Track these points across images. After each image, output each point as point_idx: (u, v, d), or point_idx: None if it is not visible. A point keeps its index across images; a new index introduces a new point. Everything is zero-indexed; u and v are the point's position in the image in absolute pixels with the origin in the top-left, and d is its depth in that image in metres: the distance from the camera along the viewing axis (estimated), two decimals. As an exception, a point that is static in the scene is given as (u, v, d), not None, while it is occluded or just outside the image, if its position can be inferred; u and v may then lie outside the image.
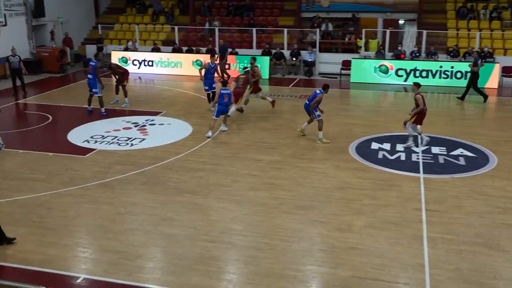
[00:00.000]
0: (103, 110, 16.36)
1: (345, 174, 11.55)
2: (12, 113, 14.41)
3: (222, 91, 14.14)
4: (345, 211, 9.76)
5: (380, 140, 13.87)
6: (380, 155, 12.75)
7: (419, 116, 12.98)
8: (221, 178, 11.33)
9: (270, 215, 9.61)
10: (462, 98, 18.43)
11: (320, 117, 13.75)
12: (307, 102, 13.98)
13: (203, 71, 16.73)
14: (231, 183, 11.10)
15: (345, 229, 9.05)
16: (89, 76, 16.43)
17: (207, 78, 16.70)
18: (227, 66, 22.06)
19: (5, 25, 16.90)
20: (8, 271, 7.84)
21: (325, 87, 13.80)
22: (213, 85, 16.86)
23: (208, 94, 17.01)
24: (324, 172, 11.70)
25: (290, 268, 7.87)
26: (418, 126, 13.15)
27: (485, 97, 18.19)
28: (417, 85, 13.28)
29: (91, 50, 25.84)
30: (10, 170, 11.84)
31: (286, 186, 10.92)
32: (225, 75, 19.94)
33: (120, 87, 17.65)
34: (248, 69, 16.46)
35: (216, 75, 17.59)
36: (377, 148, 13.28)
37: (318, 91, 13.78)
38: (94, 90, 16.32)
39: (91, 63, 16.65)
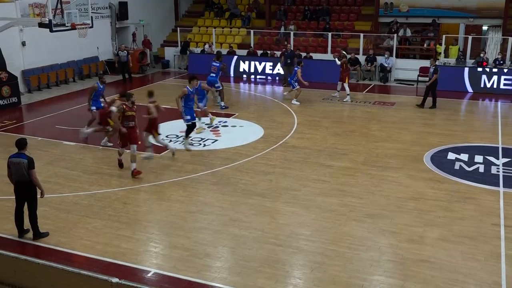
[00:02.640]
0: (223, 103, 17.79)
1: (418, 184, 11.19)
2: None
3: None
4: (417, 222, 9.45)
5: (458, 150, 13.31)
6: (457, 166, 12.24)
7: None
8: (290, 182, 11.32)
9: (338, 222, 9.48)
10: None
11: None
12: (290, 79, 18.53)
13: (181, 101, 13.23)
14: (301, 187, 11.06)
15: (416, 241, 8.76)
16: (212, 75, 17.35)
17: (187, 106, 13.22)
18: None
19: (92, 27, 17.81)
20: (84, 261, 8.23)
21: (299, 63, 18.41)
22: (194, 115, 13.64)
23: (189, 126, 13.48)
24: (397, 181, 11.39)
25: (357, 277, 7.73)
26: None
27: None
28: None
29: (169, 52, 26.74)
30: (90, 165, 12.46)
31: (356, 193, 10.73)
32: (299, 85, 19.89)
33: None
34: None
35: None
36: (453, 158, 12.76)
37: (296, 68, 18.11)
38: (216, 85, 17.46)
39: (214, 63, 17.48)
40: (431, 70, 17.83)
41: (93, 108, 14.28)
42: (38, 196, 8.87)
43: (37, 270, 5.97)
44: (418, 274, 7.77)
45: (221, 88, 17.73)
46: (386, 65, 22.58)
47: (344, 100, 18.72)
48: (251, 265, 8.05)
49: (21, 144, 8.73)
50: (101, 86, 14.42)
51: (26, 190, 8.74)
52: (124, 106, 11.55)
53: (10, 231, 9.09)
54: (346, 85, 18.85)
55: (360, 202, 10.32)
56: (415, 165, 12.29)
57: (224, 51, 25.38)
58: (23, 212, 8.93)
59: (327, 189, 10.96)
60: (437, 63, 21.47)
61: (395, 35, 23.25)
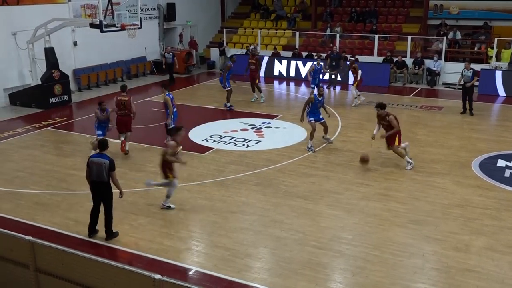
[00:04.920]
0: (228, 104, 17.93)
1: (465, 191, 10.88)
2: (144, 109, 15.58)
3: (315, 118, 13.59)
4: (463, 230, 9.20)
5: (508, 157, 12.87)
6: (507, 174, 11.84)
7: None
8: (333, 185, 11.24)
9: (381, 227, 9.34)
10: None
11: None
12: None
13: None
14: (343, 191, 10.96)
15: (462, 249, 8.53)
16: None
17: (311, 111, 13.60)
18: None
19: (140, 28, 18.22)
20: (128, 257, 8.43)
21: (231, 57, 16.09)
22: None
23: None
24: (443, 187, 11.12)
25: (399, 284, 7.59)
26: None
27: None
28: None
29: (215, 53, 27.02)
30: (136, 163, 12.74)
31: (400, 198, 10.55)
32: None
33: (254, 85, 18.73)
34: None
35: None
36: (503, 165, 12.34)
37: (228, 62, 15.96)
38: (222, 85, 17.94)
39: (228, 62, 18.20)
40: (469, 73, 17.12)
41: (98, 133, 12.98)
42: (116, 197, 8.94)
43: (83, 264, 6.12)
44: (463, 283, 7.57)
45: (227, 88, 17.86)
46: (434, 68, 22.06)
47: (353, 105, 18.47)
48: (291, 267, 8.04)
49: (104, 145, 8.87)
50: (100, 114, 13.03)
51: (103, 191, 8.80)
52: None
53: (59, 225, 9.41)
54: (353, 88, 18.52)
55: (404, 207, 10.13)
56: (462, 171, 11.97)
57: (269, 52, 25.47)
58: (99, 212, 9.02)
59: (371, 193, 10.81)
60: (488, 67, 20.90)
61: (444, 37, 22.68)
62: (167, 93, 13.47)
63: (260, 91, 19.01)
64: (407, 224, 9.42)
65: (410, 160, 12.20)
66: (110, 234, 9.01)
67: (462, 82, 17.23)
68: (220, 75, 18.09)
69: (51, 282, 6.46)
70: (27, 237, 6.54)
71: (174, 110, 13.47)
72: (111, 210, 8.97)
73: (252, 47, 25.65)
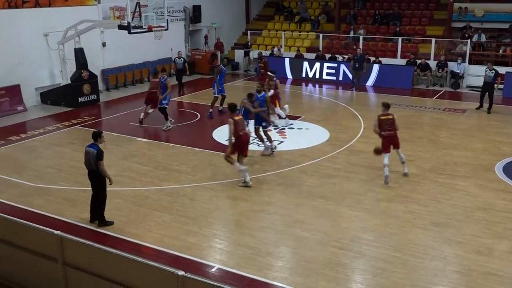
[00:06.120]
0: (211, 110, 17.36)
1: (488, 195, 10.83)
2: (169, 109, 15.81)
3: None
4: (485, 233, 9.17)
5: (533, 161, 12.75)
6: (531, 178, 11.75)
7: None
8: (354, 187, 11.29)
9: (403, 229, 9.38)
10: None
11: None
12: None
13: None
14: (365, 192, 11.01)
15: (484, 253, 8.52)
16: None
17: None
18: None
19: (167, 29, 18.52)
20: (152, 253, 8.63)
21: (249, 96, 13.05)
22: None
23: None
24: (465, 190, 11.08)
25: (420, 286, 7.63)
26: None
27: None
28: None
29: (239, 54, 27.23)
30: (161, 161, 12.98)
31: (422, 200, 10.55)
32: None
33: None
34: None
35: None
36: (528, 170, 12.24)
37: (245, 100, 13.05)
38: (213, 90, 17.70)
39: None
40: (491, 74, 17.50)
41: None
42: (108, 185, 9.39)
43: (109, 259, 6.30)
44: (485, 287, 7.56)
45: (215, 95, 17.38)
46: (458, 71, 21.87)
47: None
48: (312, 267, 8.14)
49: (94, 135, 9.42)
50: None
51: (93, 179, 9.36)
52: None
53: (86, 220, 9.68)
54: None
55: (426, 209, 10.14)
56: (485, 175, 11.90)
57: (292, 54, 25.57)
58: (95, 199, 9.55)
59: (392, 195, 10.84)
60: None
61: (469, 40, 22.47)
62: (166, 77, 15.64)
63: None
64: (428, 226, 9.43)
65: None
66: (102, 222, 9.49)
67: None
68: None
69: (78, 276, 6.67)
70: (56, 232, 6.77)
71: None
72: (101, 198, 9.45)
73: (275, 49, 25.85)
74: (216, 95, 17.40)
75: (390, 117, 11.42)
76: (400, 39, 23.83)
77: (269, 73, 17.30)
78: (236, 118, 11.18)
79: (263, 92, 13.48)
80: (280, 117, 15.75)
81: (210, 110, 17.37)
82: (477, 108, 17.92)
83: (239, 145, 11.19)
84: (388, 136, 11.33)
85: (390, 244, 8.80)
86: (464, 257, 8.39)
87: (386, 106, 11.65)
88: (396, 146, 11.51)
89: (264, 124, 13.21)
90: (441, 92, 21.37)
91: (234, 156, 11.29)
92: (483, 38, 23.26)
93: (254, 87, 20.34)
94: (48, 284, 7.08)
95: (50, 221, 9.56)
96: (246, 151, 11.45)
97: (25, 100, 18.55)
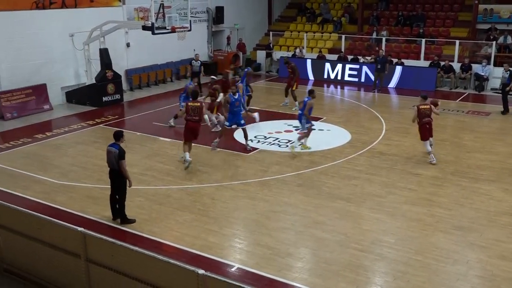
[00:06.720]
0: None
1: (513, 199, 10.66)
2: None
3: None
4: (510, 238, 9.03)
5: (560, 166, 12.49)
6: (557, 183, 11.52)
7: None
8: (376, 189, 11.23)
9: (424, 232, 9.29)
10: None
11: (310, 125, 13.70)
12: (300, 112, 13.76)
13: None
14: (386, 194, 10.94)
15: (508, 258, 8.39)
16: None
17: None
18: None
19: (190, 30, 18.66)
20: (173, 251, 8.72)
21: (310, 92, 13.58)
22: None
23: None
24: (489, 194, 10.92)
25: (441, 290, 7.56)
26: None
27: None
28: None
29: (261, 55, 27.29)
30: (182, 161, 13.05)
31: (444, 204, 10.44)
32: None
33: (289, 91, 18.27)
34: None
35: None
36: (555, 174, 12.00)
37: (306, 99, 13.52)
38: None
39: (245, 69, 17.95)
40: (506, 75, 17.65)
41: None
42: (128, 187, 9.49)
43: (131, 256, 6.38)
44: (508, 292, 7.47)
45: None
46: (483, 73, 21.55)
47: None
48: (332, 268, 8.12)
49: (116, 135, 9.52)
50: None
51: (115, 178, 9.47)
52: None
53: (108, 218, 9.82)
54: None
55: (448, 213, 10.03)
56: (510, 179, 11.71)
57: (314, 55, 25.51)
58: (115, 197, 9.66)
59: (414, 198, 10.75)
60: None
61: (494, 42, 22.13)
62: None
63: (294, 99, 17.86)
64: (451, 230, 9.33)
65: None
66: (124, 219, 9.61)
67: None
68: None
69: (100, 272, 6.77)
70: (79, 228, 6.88)
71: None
72: (123, 197, 9.55)
73: (297, 50, 25.82)
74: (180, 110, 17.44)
75: (428, 107, 12.76)
76: (423, 40, 23.59)
77: (212, 76, 17.63)
78: (191, 104, 12.34)
79: (238, 93, 13.90)
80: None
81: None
82: (503, 113, 17.63)
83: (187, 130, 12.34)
84: (426, 124, 12.60)
85: (411, 247, 8.73)
86: (488, 262, 8.28)
87: (424, 97, 13.02)
88: (430, 135, 12.75)
89: (242, 122, 13.66)
90: (465, 95, 21.09)
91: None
92: (509, 40, 22.88)
93: (276, 87, 20.48)
94: (70, 279, 7.20)
95: (73, 217, 9.72)
96: (190, 137, 12.35)
97: (51, 99, 18.88)
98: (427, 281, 7.74)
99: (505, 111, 17.62)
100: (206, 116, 13.77)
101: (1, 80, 17.62)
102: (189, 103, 12.43)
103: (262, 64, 27.24)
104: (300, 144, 13.73)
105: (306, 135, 13.74)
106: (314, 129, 14.03)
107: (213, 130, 15.04)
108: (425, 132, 12.65)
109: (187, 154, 12.22)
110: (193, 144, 12.48)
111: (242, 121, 13.73)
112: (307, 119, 13.58)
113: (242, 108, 14.18)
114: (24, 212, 7.66)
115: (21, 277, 7.79)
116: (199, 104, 12.46)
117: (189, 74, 22.73)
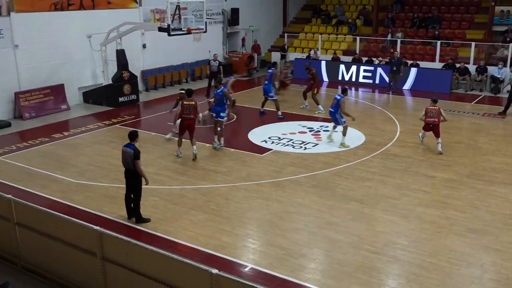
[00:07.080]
0: (279, 113, 17.29)
1: (529, 203, 10.57)
2: (203, 108, 15.98)
3: None
4: (525, 241, 8.98)
5: None
6: None
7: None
8: (390, 190, 11.21)
9: (438, 234, 9.26)
10: None
11: (346, 123, 14.18)
12: (332, 110, 14.31)
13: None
14: (400, 196, 10.92)
15: (523, 261, 8.34)
16: (265, 82, 17.65)
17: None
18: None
19: (205, 32, 18.78)
20: (187, 250, 8.80)
21: (344, 91, 14.40)
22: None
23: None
24: (505, 197, 10.85)
25: (455, 292, 7.54)
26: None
27: None
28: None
29: (275, 57, 27.31)
30: (197, 161, 13.17)
31: (459, 206, 10.39)
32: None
33: (309, 94, 18.26)
34: None
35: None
36: None
37: (338, 97, 14.12)
38: (270, 94, 17.43)
39: (269, 70, 17.93)
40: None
41: None
42: (144, 185, 9.63)
43: (145, 255, 6.47)
44: (523, 295, 7.43)
45: (274, 97, 17.39)
46: (499, 75, 21.35)
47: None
48: (345, 270, 8.13)
49: (131, 136, 9.65)
50: None
51: (131, 178, 9.59)
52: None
53: (124, 217, 9.94)
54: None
55: (463, 216, 9.98)
56: (526, 182, 11.62)
57: (329, 57, 25.48)
58: (130, 197, 9.78)
59: (428, 200, 10.72)
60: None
61: (510, 44, 21.90)
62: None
63: (316, 103, 18.05)
64: (465, 233, 9.29)
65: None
66: (139, 219, 9.73)
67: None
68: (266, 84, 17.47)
69: (115, 270, 6.86)
70: (95, 227, 6.98)
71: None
72: (138, 197, 9.68)
73: (312, 52, 25.81)
74: (274, 97, 17.51)
75: (436, 107, 13.59)
76: (438, 42, 23.45)
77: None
78: (186, 102, 12.92)
79: (222, 87, 14.29)
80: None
81: (279, 113, 17.41)
82: (501, 113, 17.57)
83: (182, 127, 13.08)
84: (430, 123, 13.55)
85: (425, 250, 8.72)
86: (502, 265, 8.24)
87: (434, 101, 13.89)
88: (436, 135, 13.55)
89: (222, 115, 14.10)
90: (481, 97, 20.91)
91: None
92: (526, 42, 22.64)
93: (290, 89, 20.50)
94: (86, 277, 7.31)
95: (89, 216, 9.86)
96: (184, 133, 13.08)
97: (68, 99, 19.14)
98: (441, 284, 7.72)
99: (504, 112, 17.55)
100: (200, 114, 14.09)
101: (20, 80, 17.90)
102: (185, 102, 12.98)
103: (277, 63, 27.23)
104: (340, 145, 14.15)
105: (343, 133, 14.22)
106: (346, 126, 14.36)
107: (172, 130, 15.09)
108: (427, 128, 13.77)
109: (180, 149, 13.33)
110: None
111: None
112: (341, 115, 14.16)
113: (225, 105, 14.33)
114: (42, 210, 7.80)
115: (39, 275, 7.93)
116: (193, 102, 12.91)
117: (208, 74, 22.78)
